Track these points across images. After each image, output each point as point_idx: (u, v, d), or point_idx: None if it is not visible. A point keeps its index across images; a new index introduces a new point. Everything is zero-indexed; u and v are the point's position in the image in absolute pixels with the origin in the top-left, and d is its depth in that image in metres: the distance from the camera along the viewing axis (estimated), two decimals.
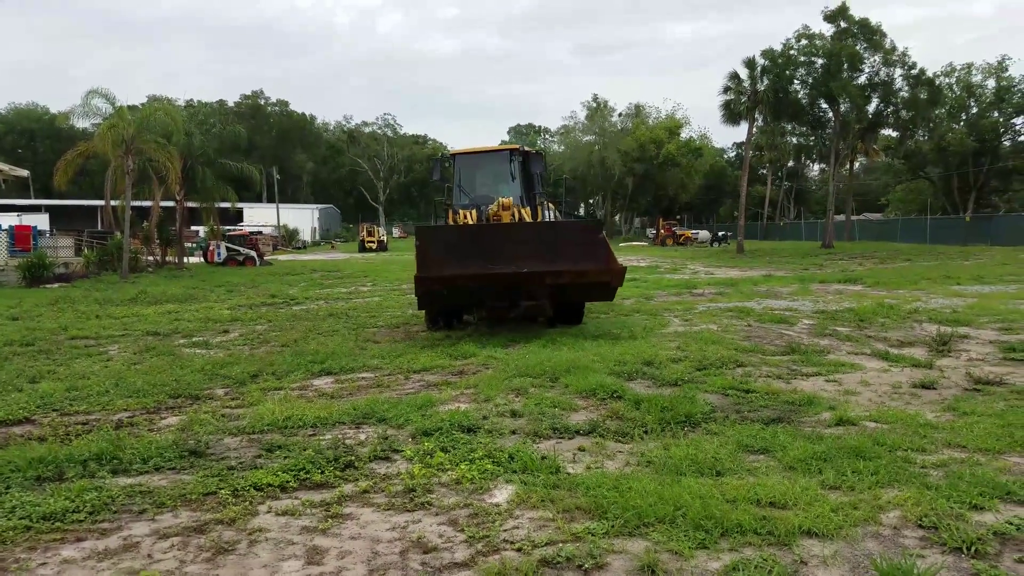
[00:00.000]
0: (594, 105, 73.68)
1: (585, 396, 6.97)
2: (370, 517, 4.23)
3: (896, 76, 39.10)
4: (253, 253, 36.38)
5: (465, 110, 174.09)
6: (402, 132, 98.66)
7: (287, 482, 4.76)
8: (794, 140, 54.22)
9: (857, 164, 54.89)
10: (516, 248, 10.68)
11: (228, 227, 44.53)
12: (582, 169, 69.20)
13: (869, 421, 6.07)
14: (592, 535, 3.82)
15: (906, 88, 38.78)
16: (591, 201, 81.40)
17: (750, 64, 38.83)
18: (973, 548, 3.56)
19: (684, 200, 72.15)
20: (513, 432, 5.83)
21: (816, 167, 74.47)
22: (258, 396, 7.43)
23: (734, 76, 39.34)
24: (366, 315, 14.55)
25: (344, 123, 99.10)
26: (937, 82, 40.77)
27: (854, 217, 58.20)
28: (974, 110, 47.64)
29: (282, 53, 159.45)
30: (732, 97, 39.32)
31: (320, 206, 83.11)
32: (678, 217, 72.04)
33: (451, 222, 13.16)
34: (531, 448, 5.33)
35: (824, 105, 40.61)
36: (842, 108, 39.85)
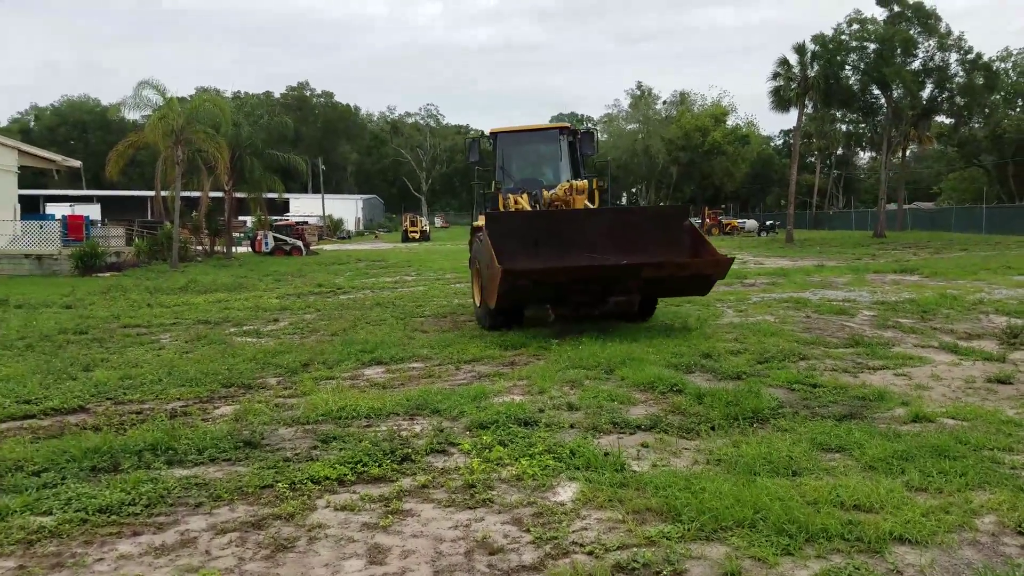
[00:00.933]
0: (638, 93, 72.61)
1: (643, 389, 6.75)
2: (431, 514, 4.09)
3: (951, 61, 37.67)
4: (299, 243, 36.78)
5: (506, 100, 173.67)
6: (445, 122, 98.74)
7: (344, 475, 4.65)
8: (843, 127, 52.67)
9: (908, 152, 53.16)
10: (596, 237, 9.86)
11: (275, 217, 45.10)
12: (625, 158, 68.32)
13: (947, 418, 5.75)
14: (667, 539, 3.62)
15: (962, 73, 37.29)
16: (634, 191, 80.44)
17: (800, 50, 37.75)
18: None
19: (730, 189, 70.87)
20: (571, 426, 5.65)
21: (865, 155, 72.43)
22: (311, 386, 7.38)
23: (783, 62, 38.32)
24: (412, 304, 14.50)
25: (388, 114, 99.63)
26: (994, 67, 39.13)
27: (906, 206, 56.49)
28: None
29: (319, 46, 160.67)
30: (781, 83, 38.33)
31: (364, 196, 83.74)
32: (724, 206, 70.82)
33: (501, 208, 12.25)
34: (592, 443, 5.14)
35: (876, 91, 39.32)
36: (895, 94, 38.53)
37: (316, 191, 71.35)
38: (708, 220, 57.32)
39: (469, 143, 13.02)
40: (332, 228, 64.94)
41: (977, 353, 8.31)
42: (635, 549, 3.53)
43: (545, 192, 11.89)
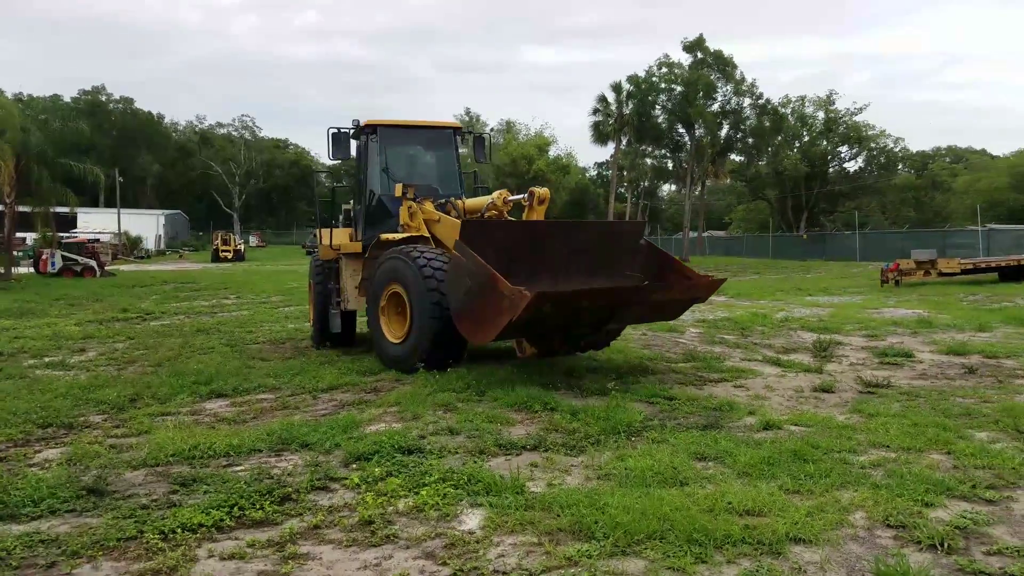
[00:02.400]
0: (466, 119, 73.86)
1: (518, 409, 6.79)
2: (333, 556, 3.81)
3: (745, 105, 42.23)
4: (93, 263, 33.16)
5: (327, 117, 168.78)
6: (262, 135, 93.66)
7: (222, 520, 4.21)
8: (651, 162, 57.10)
9: (706, 185, 58.58)
10: (575, 255, 8.62)
11: (62, 234, 40.42)
12: None
13: (791, 425, 6.31)
14: (587, 558, 3.63)
15: (753, 116, 41.93)
16: None
17: (617, 88, 40.58)
18: (945, 544, 3.72)
19: (552, 215, 73.65)
20: (457, 451, 5.53)
21: (667, 187, 78.80)
22: (147, 423, 6.64)
23: (602, 99, 40.99)
24: (240, 330, 13.58)
25: (196, 124, 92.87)
26: (780, 111, 44.45)
27: (704, 234, 62.07)
28: (806, 138, 52.32)
29: (122, 50, 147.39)
30: (600, 118, 40.89)
31: (167, 212, 77.29)
32: None
33: (353, 217, 10.85)
34: (485, 467, 5.07)
35: (682, 130, 43.07)
36: (697, 133, 42.44)
37: (110, 205, 65.05)
38: None
39: (332, 137, 10.24)
40: (129, 246, 59.41)
41: (797, 365, 9.25)
42: (559, 571, 3.51)
43: (457, 200, 10.35)
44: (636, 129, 39.89)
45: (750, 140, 42.59)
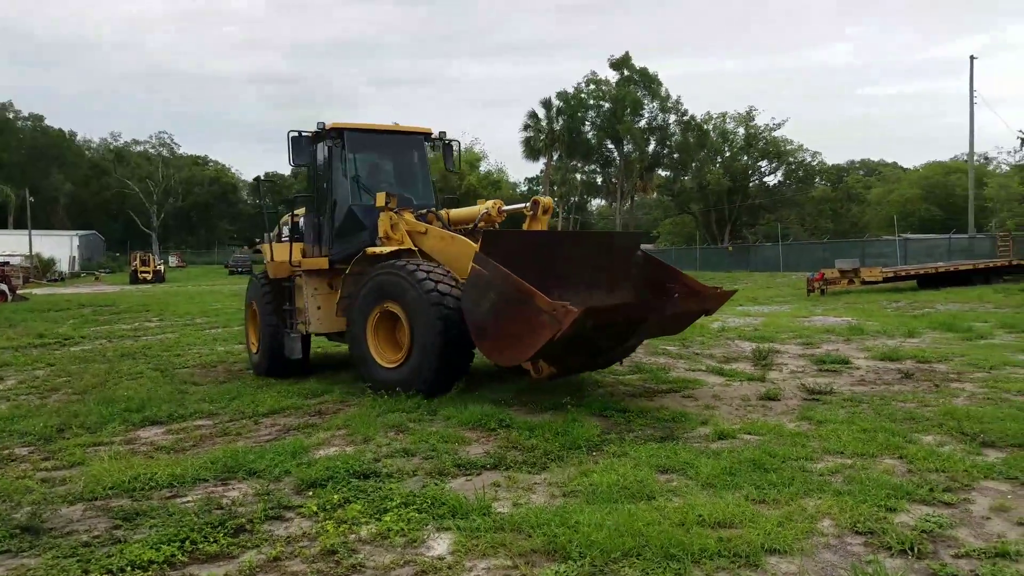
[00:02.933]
0: None
1: (472, 428, 6.65)
2: None
3: (671, 121, 43.38)
4: (3, 287, 31.30)
5: (250, 133, 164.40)
6: (180, 152, 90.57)
7: (173, 556, 3.93)
8: (580, 177, 57.93)
9: (635, 199, 59.73)
10: (577, 267, 8.14)
11: None
12: None
13: (744, 434, 6.38)
14: None
15: (679, 132, 43.12)
16: None
17: (547, 104, 41.06)
18: (915, 549, 3.78)
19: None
20: (414, 473, 5.36)
21: (596, 202, 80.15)
22: (79, 454, 6.23)
23: (533, 115, 41.37)
24: (168, 354, 13.00)
25: (111, 141, 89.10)
26: (703, 128, 45.90)
27: None
28: (728, 153, 54.08)
29: (24, 62, 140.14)
30: (532, 134, 41.22)
31: (81, 232, 73.68)
32: None
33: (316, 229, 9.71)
34: (447, 489, 4.91)
35: (611, 145, 43.90)
36: (626, 148, 43.34)
37: (20, 226, 61.60)
38: None
39: (293, 139, 9.30)
40: (42, 269, 56.35)
41: (740, 375, 9.40)
42: None
43: (443, 212, 9.67)
44: (567, 145, 40.41)
45: (676, 155, 43.73)
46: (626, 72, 41.24)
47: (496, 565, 3.77)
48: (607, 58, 42.33)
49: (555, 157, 43.91)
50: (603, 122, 41.34)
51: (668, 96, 42.11)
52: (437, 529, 4.26)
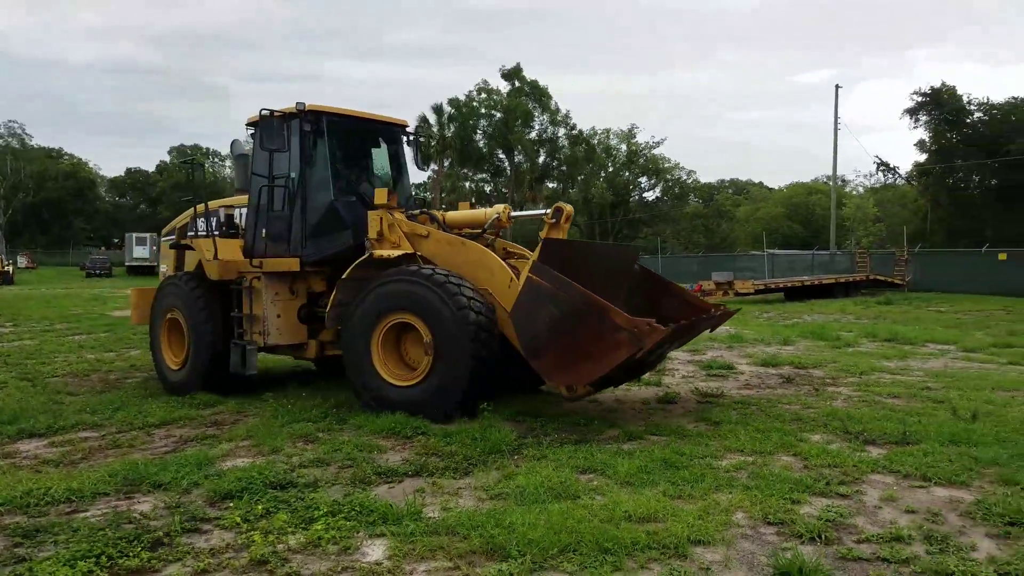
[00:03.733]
0: None
1: (386, 436, 6.58)
2: None
3: (560, 135, 44.51)
4: None
5: (114, 126, 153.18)
6: (32, 143, 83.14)
7: (90, 572, 3.69)
8: (470, 185, 58.29)
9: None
10: (605, 279, 7.54)
11: None
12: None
13: (650, 435, 6.67)
14: (509, 575, 3.60)
15: (567, 145, 44.32)
16: None
17: (438, 110, 41.01)
18: (823, 536, 4.12)
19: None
20: (334, 483, 5.26)
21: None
22: None
23: (423, 120, 41.16)
24: (33, 362, 12.03)
25: None
26: (590, 142, 47.47)
27: None
28: (611, 168, 56.07)
29: None
30: (423, 140, 40.89)
31: None
32: None
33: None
34: (372, 496, 4.86)
35: (502, 155, 44.47)
36: (517, 159, 44.05)
37: None
38: None
39: (264, 119, 8.31)
40: None
41: (638, 380, 9.79)
42: None
43: (439, 213, 8.74)
44: (458, 152, 40.57)
45: (564, 168, 44.90)
46: (517, 83, 42.00)
47: (436, 567, 3.78)
48: (499, 68, 42.92)
49: (446, 164, 43.94)
50: (495, 131, 41.83)
51: (558, 110, 43.32)
52: (369, 536, 4.22)
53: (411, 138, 9.81)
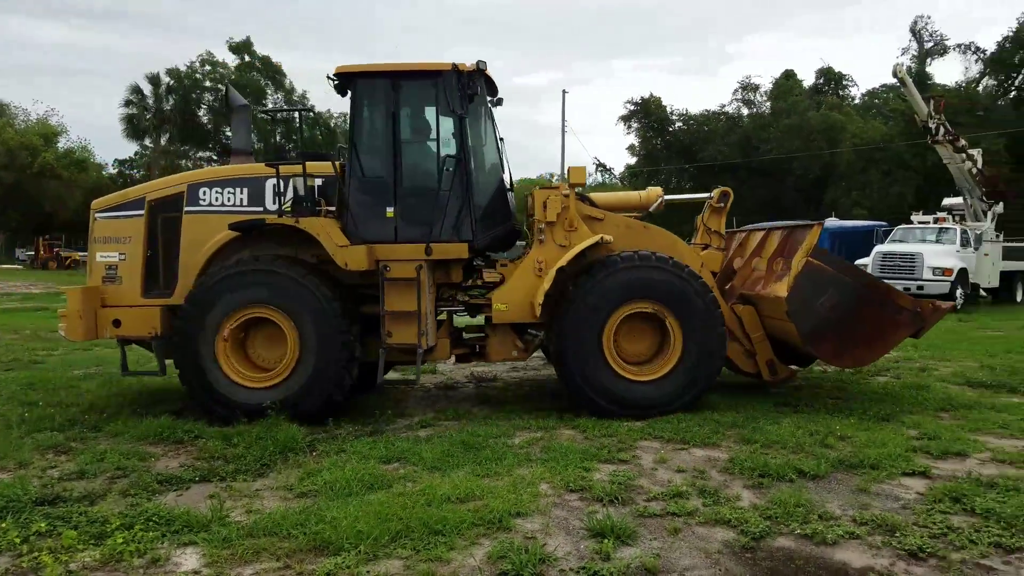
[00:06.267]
0: None
1: (154, 442, 5.99)
2: None
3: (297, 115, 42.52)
4: None
5: None
6: None
7: None
8: (190, 164, 53.45)
9: None
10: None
11: None
12: None
13: (442, 420, 6.86)
14: (346, 568, 3.55)
15: (307, 127, 42.59)
16: None
17: (154, 80, 36.92)
18: (619, 498, 4.60)
19: (65, 217, 62.90)
20: (111, 494, 4.70)
21: None
22: None
23: (136, 90, 36.83)
24: None
25: None
26: (332, 124, 46.14)
27: None
28: None
29: None
30: (136, 111, 36.66)
31: None
32: (59, 236, 62.62)
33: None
34: (165, 505, 4.43)
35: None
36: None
37: None
38: (43, 252, 50.30)
39: (458, 75, 6.98)
40: None
41: (413, 369, 9.91)
42: None
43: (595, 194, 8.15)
44: (179, 127, 36.87)
45: (302, 151, 43.03)
46: (247, 58, 39.30)
47: (264, 568, 3.60)
48: (226, 40, 39.74)
49: (164, 139, 39.74)
50: (221, 107, 38.73)
51: (294, 89, 41.37)
52: (177, 545, 3.86)
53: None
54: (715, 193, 8.05)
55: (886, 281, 8.01)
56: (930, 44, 44.24)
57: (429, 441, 5.95)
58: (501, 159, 7.78)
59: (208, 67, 40.12)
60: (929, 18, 63.88)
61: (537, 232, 7.21)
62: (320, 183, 7.14)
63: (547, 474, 5.04)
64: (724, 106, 45.71)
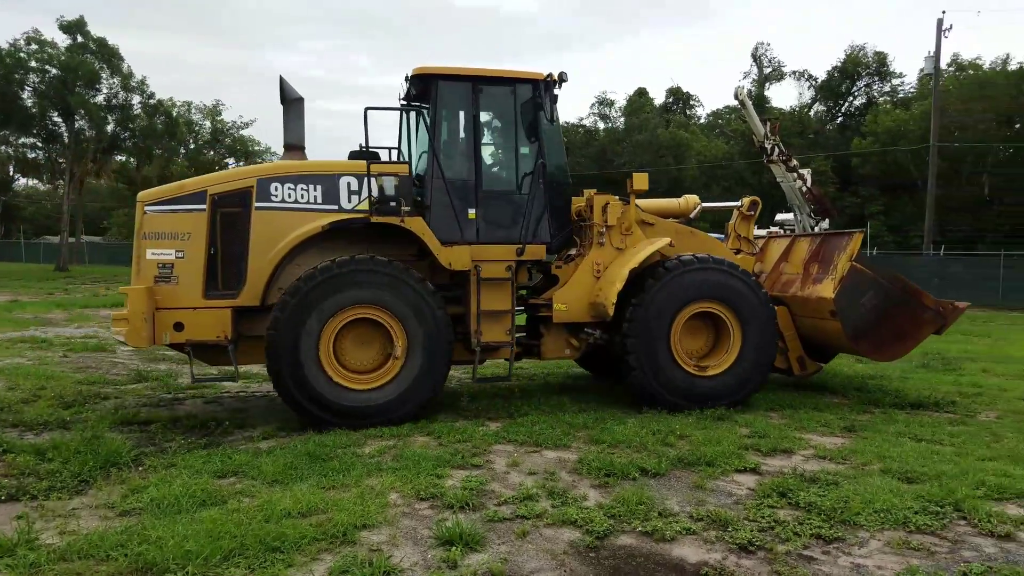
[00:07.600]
0: None
1: None
2: None
3: (135, 102, 39.41)
4: None
5: None
6: None
7: None
8: (9, 150, 48.22)
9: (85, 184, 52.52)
10: None
11: None
12: None
13: (284, 431, 6.56)
14: None
15: (144, 116, 39.48)
16: None
17: None
18: (470, 503, 4.55)
19: None
20: None
21: (28, 182, 68.07)
22: None
23: None
24: None
25: None
26: (174, 113, 43.06)
27: (84, 239, 55.72)
28: (192, 146, 51.79)
29: None
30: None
31: None
32: None
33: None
34: None
35: (58, 118, 37.66)
36: (78, 125, 37.75)
37: None
38: None
39: (550, 83, 7.48)
40: None
41: (256, 376, 9.43)
42: None
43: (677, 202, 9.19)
44: None
45: (139, 140, 39.87)
46: (80, 39, 35.88)
47: None
48: (56, 19, 36.05)
49: None
50: (49, 90, 35.13)
51: (132, 74, 38.17)
52: None
53: None
54: (745, 202, 8.78)
55: None
56: (769, 70, 48.06)
57: (271, 453, 5.63)
58: (564, 163, 8.14)
59: (35, 46, 36.34)
60: (769, 45, 69.60)
61: (596, 235, 7.55)
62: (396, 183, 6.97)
63: (398, 483, 4.91)
64: (583, 119, 47.31)
